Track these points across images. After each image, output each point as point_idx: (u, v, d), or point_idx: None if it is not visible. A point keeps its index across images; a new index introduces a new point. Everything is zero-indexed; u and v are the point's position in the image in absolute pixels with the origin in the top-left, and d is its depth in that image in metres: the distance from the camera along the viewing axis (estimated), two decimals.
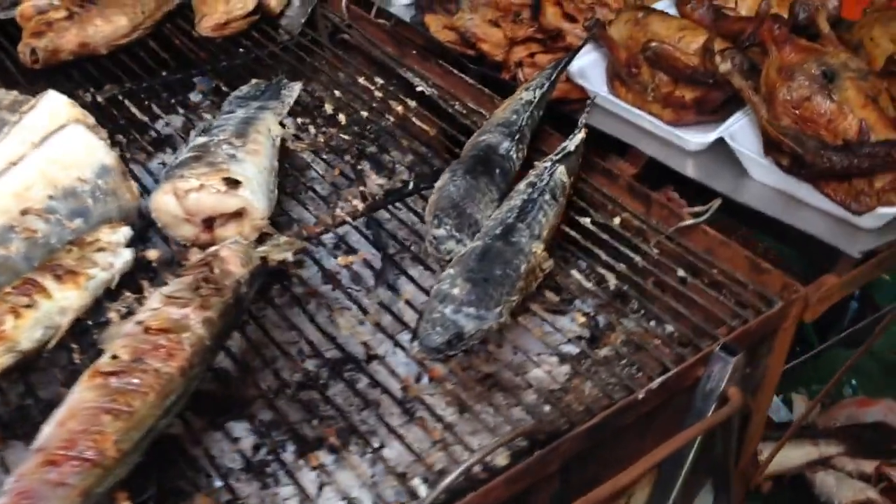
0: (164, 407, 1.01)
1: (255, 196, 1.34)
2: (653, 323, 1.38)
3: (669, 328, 1.37)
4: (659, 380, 1.18)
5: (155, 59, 1.81)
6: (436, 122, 1.66)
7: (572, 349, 1.35)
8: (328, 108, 1.69)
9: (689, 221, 1.43)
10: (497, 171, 1.42)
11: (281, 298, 1.37)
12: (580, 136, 1.49)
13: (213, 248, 1.22)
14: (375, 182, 1.52)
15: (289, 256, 1.35)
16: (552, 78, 1.62)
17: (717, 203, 1.44)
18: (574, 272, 1.42)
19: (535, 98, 1.57)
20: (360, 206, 1.47)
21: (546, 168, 1.40)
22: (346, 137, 1.63)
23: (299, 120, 1.67)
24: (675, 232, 1.44)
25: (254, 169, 1.38)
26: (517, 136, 1.49)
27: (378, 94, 1.72)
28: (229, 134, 1.44)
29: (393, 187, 1.53)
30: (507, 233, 1.28)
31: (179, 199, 1.32)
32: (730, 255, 1.39)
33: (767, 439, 1.74)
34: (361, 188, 1.50)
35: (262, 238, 1.37)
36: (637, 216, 1.47)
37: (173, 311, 1.08)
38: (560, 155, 1.43)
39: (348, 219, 1.45)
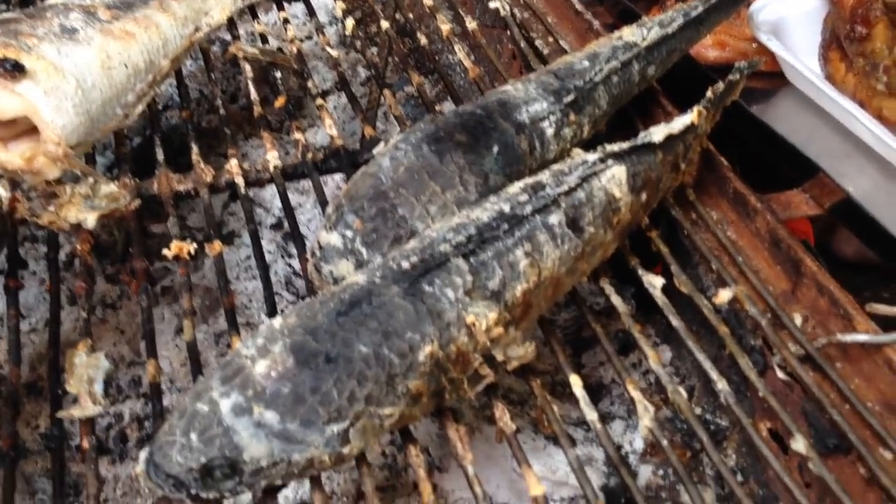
0: None
1: (52, 101, 0.75)
2: None
3: None
4: None
5: None
6: (490, 57, 0.99)
7: None
8: (338, 7, 1.06)
9: (865, 337, 0.68)
10: (495, 148, 0.73)
11: None
12: (689, 118, 0.77)
13: None
14: (328, 131, 0.87)
15: (89, 220, 0.76)
16: (695, 13, 0.89)
17: None
18: (600, 369, 0.73)
19: (642, 41, 0.85)
20: (276, 163, 0.84)
21: (586, 164, 0.70)
22: (334, 54, 0.99)
23: (282, 14, 1.05)
24: (830, 347, 0.69)
25: (87, 59, 0.79)
26: (571, 98, 0.78)
27: (428, 1, 1.06)
28: None
29: (353, 146, 0.88)
30: (425, 272, 0.60)
31: None
32: None
33: None
34: (298, 135, 0.87)
35: (67, 181, 0.78)
36: (766, 297, 0.73)
37: None
38: (627, 146, 0.72)
39: (238, 179, 0.83)
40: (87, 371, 0.64)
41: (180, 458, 0.55)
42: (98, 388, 0.64)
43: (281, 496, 0.70)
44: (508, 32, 1.04)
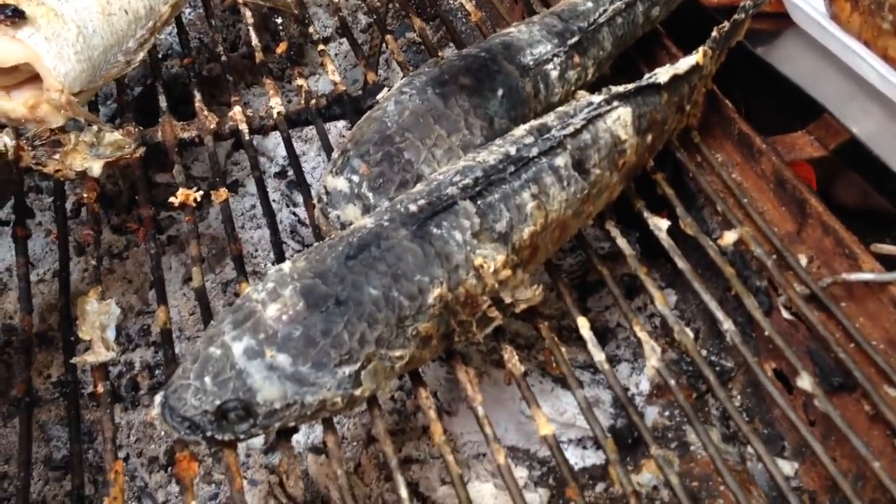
0: None
1: (54, 47, 0.75)
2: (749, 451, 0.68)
3: (785, 469, 0.69)
4: None
5: None
6: (492, 1, 0.98)
7: (572, 457, 0.69)
8: None
9: (870, 276, 0.68)
10: (499, 91, 0.73)
11: None
12: (694, 58, 0.76)
13: None
14: (331, 77, 0.87)
15: (95, 168, 0.76)
16: None
17: None
18: (606, 314, 0.73)
19: None
20: (280, 110, 0.84)
21: (592, 105, 0.70)
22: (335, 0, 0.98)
23: None
24: (835, 286, 0.70)
25: (87, 5, 0.79)
26: (576, 40, 0.78)
27: None
28: None
29: (355, 93, 0.87)
30: (432, 215, 0.60)
31: None
32: None
33: None
34: (301, 81, 0.87)
35: (71, 129, 0.77)
36: (771, 238, 0.74)
37: None
38: (633, 87, 0.72)
39: (241, 125, 0.83)
40: (98, 318, 0.65)
41: (195, 401, 0.55)
42: (110, 334, 0.65)
43: (293, 440, 0.71)
44: None
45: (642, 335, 0.66)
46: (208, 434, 0.56)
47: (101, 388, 0.61)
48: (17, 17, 0.73)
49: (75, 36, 0.77)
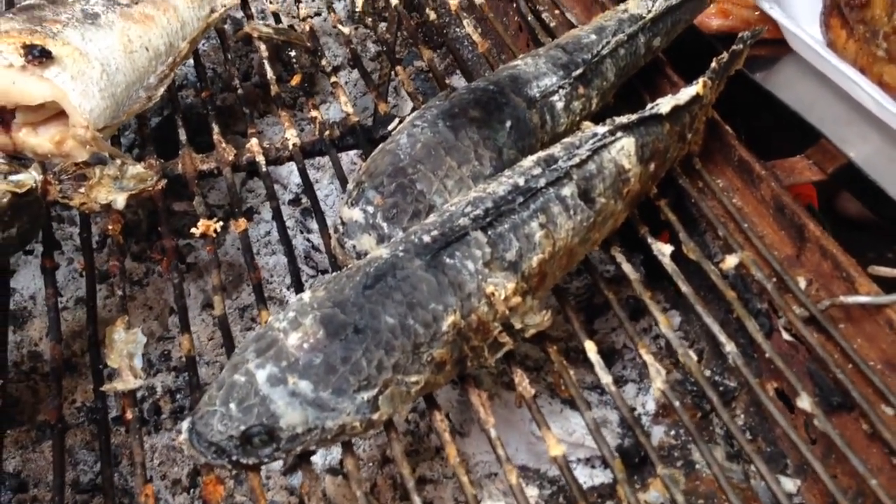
0: None
1: (79, 85, 0.78)
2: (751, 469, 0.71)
3: (788, 486, 0.71)
4: None
5: None
6: (497, 30, 1.01)
7: (581, 476, 0.70)
8: None
9: (867, 299, 0.71)
10: (507, 123, 0.76)
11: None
12: (694, 89, 0.79)
13: None
14: (343, 108, 0.90)
15: (119, 201, 0.79)
16: None
17: None
18: (612, 335, 0.76)
19: (647, 13, 0.87)
20: (295, 141, 0.87)
21: (596, 136, 0.73)
22: (346, 31, 1.01)
23: None
24: (833, 309, 0.73)
25: (110, 44, 0.82)
26: (580, 72, 0.81)
27: None
28: None
29: (365, 122, 0.90)
30: (445, 245, 0.63)
31: None
32: None
33: None
34: (315, 113, 0.90)
35: (95, 163, 0.80)
36: (771, 262, 0.76)
37: None
38: (636, 118, 0.75)
39: (259, 157, 0.86)
40: (126, 346, 0.68)
41: (221, 426, 0.58)
42: (137, 362, 0.67)
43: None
44: (515, 5, 1.06)
45: (648, 358, 0.68)
46: (234, 458, 0.59)
47: (129, 415, 0.64)
48: (44, 56, 0.76)
49: (99, 74, 0.80)
